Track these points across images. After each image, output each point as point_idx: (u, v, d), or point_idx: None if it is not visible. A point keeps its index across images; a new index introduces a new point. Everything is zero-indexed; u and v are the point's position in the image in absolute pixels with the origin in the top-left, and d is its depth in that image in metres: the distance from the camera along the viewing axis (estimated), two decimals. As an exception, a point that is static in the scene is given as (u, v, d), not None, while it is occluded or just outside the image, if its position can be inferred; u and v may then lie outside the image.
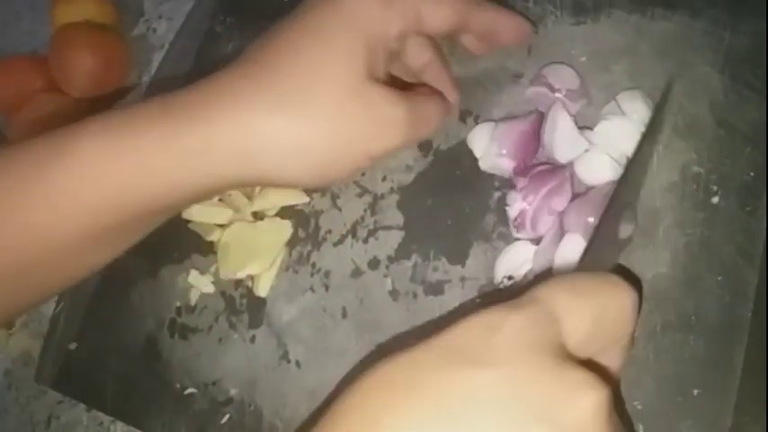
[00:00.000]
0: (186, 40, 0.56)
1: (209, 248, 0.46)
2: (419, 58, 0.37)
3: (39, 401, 0.52)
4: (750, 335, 0.33)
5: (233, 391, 0.42)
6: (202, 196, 0.31)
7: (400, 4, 0.31)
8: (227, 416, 0.42)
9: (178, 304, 0.46)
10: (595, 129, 0.38)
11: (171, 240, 0.47)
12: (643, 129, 0.36)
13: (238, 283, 0.45)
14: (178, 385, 0.44)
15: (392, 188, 0.43)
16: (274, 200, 0.45)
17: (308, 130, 0.29)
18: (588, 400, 0.20)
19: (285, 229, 0.44)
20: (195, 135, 0.28)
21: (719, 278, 0.34)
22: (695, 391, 0.33)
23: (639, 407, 0.34)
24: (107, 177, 0.29)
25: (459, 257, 0.40)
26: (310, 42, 0.30)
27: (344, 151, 0.30)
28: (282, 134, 0.29)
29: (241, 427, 0.41)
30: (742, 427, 0.32)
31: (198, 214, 0.45)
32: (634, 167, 0.33)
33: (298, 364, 0.41)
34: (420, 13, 0.32)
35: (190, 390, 0.43)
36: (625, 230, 0.33)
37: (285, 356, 0.42)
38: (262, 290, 0.43)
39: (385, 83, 0.32)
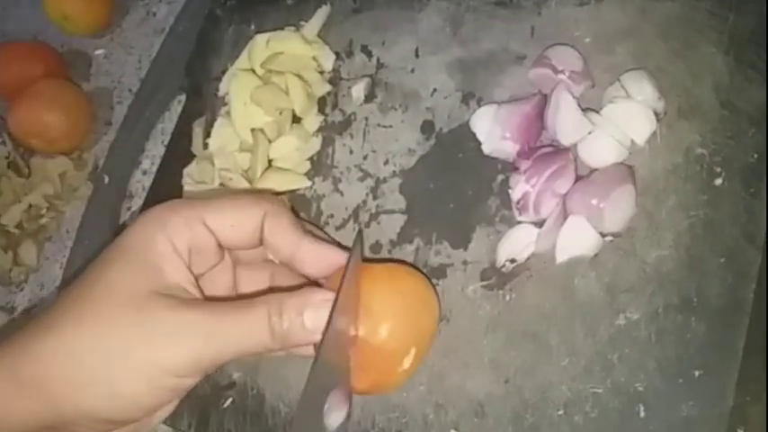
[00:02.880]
0: (187, 23, 0.55)
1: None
2: (275, 252, 0.33)
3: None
4: (752, 316, 0.33)
5: (236, 375, 0.42)
6: None
7: (177, 220, 0.30)
8: (230, 399, 0.42)
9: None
10: (602, 111, 0.37)
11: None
12: (649, 111, 0.36)
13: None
14: (181, 369, 0.44)
15: (394, 172, 0.43)
16: (275, 184, 0.45)
17: (83, 346, 0.27)
18: None
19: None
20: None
21: (722, 260, 0.34)
22: (696, 373, 0.33)
23: (641, 388, 0.34)
24: None
25: (461, 241, 0.40)
26: (89, 276, 0.29)
27: (125, 363, 0.27)
28: (57, 356, 0.27)
29: (244, 410, 0.41)
30: (743, 407, 0.33)
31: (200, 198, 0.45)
32: (326, 348, 0.28)
33: (300, 347, 0.41)
34: (207, 223, 0.30)
35: (193, 373, 0.43)
36: (336, 418, 0.29)
37: (288, 340, 0.42)
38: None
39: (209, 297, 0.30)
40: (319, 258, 0.32)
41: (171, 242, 0.29)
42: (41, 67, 0.59)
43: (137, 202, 0.54)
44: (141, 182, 0.55)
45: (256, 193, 0.34)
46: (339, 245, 0.33)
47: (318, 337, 0.29)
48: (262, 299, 0.29)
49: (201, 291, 0.30)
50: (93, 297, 0.28)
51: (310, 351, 0.31)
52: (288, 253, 0.32)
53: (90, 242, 0.53)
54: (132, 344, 0.27)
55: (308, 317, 0.29)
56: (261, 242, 0.32)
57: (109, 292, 0.28)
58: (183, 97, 0.53)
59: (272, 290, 0.35)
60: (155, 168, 0.53)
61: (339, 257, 0.33)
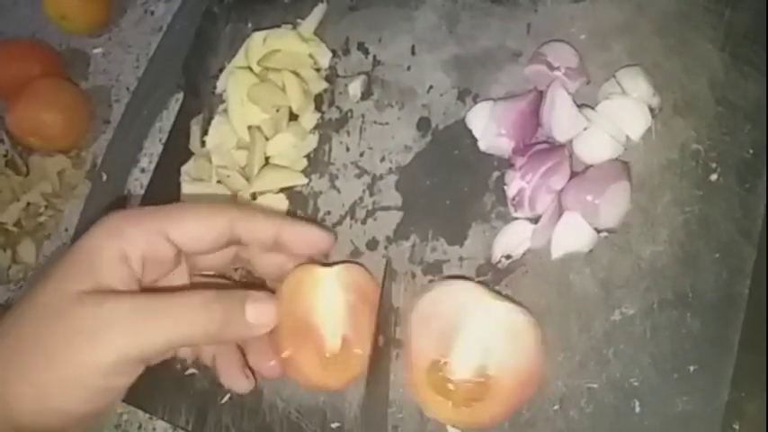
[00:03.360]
0: (184, 21, 0.55)
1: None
2: (263, 247, 0.34)
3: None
4: (747, 312, 0.33)
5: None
6: None
7: (132, 230, 0.29)
8: (228, 395, 0.42)
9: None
10: (597, 108, 0.37)
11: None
12: (645, 107, 0.36)
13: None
14: (179, 366, 0.44)
15: (391, 168, 0.43)
16: (272, 181, 0.45)
17: (17, 365, 0.26)
18: None
19: (281, 203, 0.44)
20: None
21: (717, 255, 0.34)
22: (691, 368, 0.33)
23: (636, 383, 0.34)
24: None
25: (457, 237, 0.40)
26: (32, 287, 0.29)
27: (56, 374, 0.26)
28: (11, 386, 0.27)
29: (241, 406, 0.41)
30: (738, 403, 0.33)
31: (198, 195, 0.45)
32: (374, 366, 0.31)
33: (297, 343, 0.42)
34: (168, 235, 0.30)
35: (191, 370, 0.43)
36: None
37: (285, 336, 0.42)
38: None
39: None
40: (304, 235, 0.33)
41: (122, 250, 0.29)
42: (39, 65, 0.59)
43: (135, 201, 0.54)
44: (139, 180, 0.55)
45: (221, 202, 0.34)
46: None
47: (261, 333, 0.31)
48: (197, 290, 0.29)
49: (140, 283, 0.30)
50: (25, 311, 0.28)
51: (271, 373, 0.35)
52: (271, 240, 0.33)
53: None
54: (54, 348, 0.26)
55: (251, 308, 0.30)
56: (227, 245, 0.33)
57: (39, 304, 0.27)
58: (180, 95, 0.53)
59: None
60: (153, 166, 0.53)
61: (322, 235, 0.34)
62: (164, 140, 0.53)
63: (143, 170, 0.55)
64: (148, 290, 0.31)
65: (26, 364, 0.26)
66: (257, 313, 0.30)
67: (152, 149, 0.55)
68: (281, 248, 0.34)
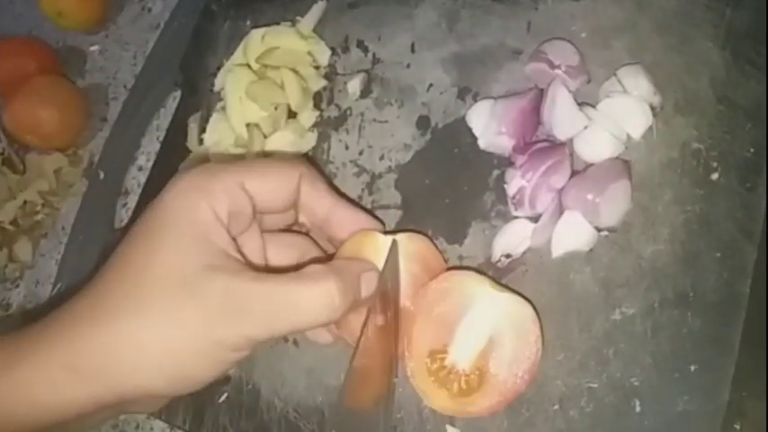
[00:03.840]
0: (182, 18, 0.55)
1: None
2: (311, 215, 0.34)
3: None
4: (748, 311, 0.33)
5: (231, 371, 0.42)
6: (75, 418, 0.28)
7: (217, 186, 0.29)
8: (225, 395, 0.42)
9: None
10: (598, 106, 0.37)
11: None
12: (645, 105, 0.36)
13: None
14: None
15: (390, 167, 0.43)
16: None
17: (144, 335, 0.27)
18: None
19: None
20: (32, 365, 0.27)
21: (718, 255, 0.34)
22: (692, 368, 0.33)
23: (636, 383, 0.34)
24: None
25: (457, 236, 0.40)
26: (138, 254, 0.29)
27: (188, 346, 0.27)
28: (119, 345, 0.27)
29: (239, 405, 0.41)
30: (739, 403, 0.32)
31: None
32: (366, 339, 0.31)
33: (296, 342, 0.41)
34: (249, 181, 0.30)
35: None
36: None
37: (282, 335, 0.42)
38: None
39: (248, 263, 0.30)
40: (354, 220, 0.33)
41: (213, 210, 0.29)
42: (36, 63, 0.59)
43: (132, 199, 0.54)
44: (137, 178, 0.55)
45: (290, 157, 0.34)
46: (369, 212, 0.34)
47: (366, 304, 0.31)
48: (321, 271, 0.29)
49: (243, 256, 0.30)
50: (147, 282, 0.28)
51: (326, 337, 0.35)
52: (323, 215, 0.33)
53: (85, 238, 0.53)
54: (192, 328, 0.27)
55: (365, 284, 0.30)
56: (293, 206, 0.32)
57: (163, 275, 0.27)
58: (178, 93, 0.53)
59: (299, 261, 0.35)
60: (150, 164, 0.53)
61: (372, 221, 0.34)
62: (161, 138, 0.53)
63: (140, 168, 0.55)
64: (268, 270, 0.31)
65: (162, 335, 0.27)
66: (368, 286, 0.31)
67: (150, 147, 0.55)
68: (325, 225, 0.33)
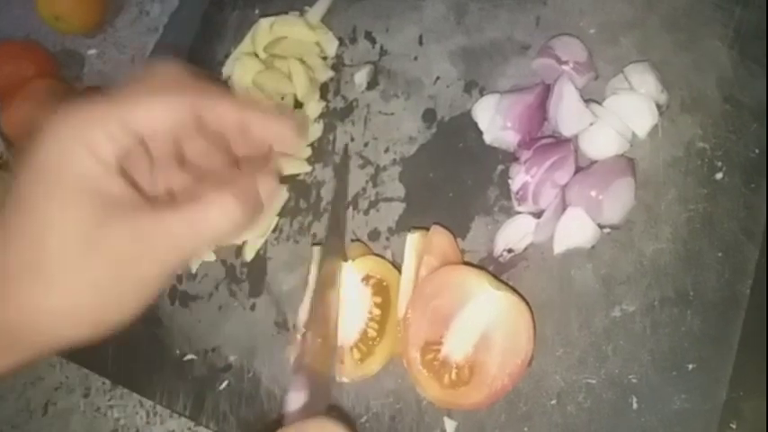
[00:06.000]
0: (190, 8, 0.55)
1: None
2: (222, 124, 0.31)
3: (35, 388, 0.52)
4: (748, 312, 0.33)
5: (232, 358, 0.43)
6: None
7: (99, 134, 0.27)
8: (226, 382, 0.42)
9: (179, 272, 0.46)
10: (604, 103, 0.37)
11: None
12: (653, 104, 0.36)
13: (239, 251, 0.45)
14: (178, 351, 0.44)
15: (394, 160, 0.43)
16: (276, 169, 0.45)
17: (55, 303, 0.27)
18: None
19: (280, 197, 0.44)
20: None
21: (720, 254, 0.34)
22: (690, 366, 0.33)
23: (634, 380, 0.34)
24: None
25: (460, 230, 0.40)
26: (29, 225, 0.27)
27: (103, 298, 0.27)
28: (33, 315, 0.27)
29: (239, 393, 0.42)
30: (736, 402, 0.33)
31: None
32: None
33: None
34: (133, 118, 0.28)
35: (189, 356, 0.44)
36: (296, 399, 0.32)
37: (284, 325, 0.42)
38: (248, 255, 0.44)
39: (149, 199, 0.29)
40: (269, 119, 0.31)
41: (98, 160, 0.27)
42: (34, 66, 0.58)
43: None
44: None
45: (184, 79, 0.32)
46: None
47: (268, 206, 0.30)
48: (218, 191, 0.28)
49: (135, 186, 0.29)
50: (46, 251, 0.27)
51: None
52: (235, 121, 0.31)
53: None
54: (104, 281, 0.27)
55: (262, 186, 0.30)
56: (198, 131, 0.31)
57: (60, 243, 0.27)
58: (185, 81, 0.53)
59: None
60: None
61: (287, 120, 0.32)
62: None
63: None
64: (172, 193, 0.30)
65: (64, 301, 0.27)
66: (268, 189, 0.30)
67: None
68: (247, 137, 0.32)
